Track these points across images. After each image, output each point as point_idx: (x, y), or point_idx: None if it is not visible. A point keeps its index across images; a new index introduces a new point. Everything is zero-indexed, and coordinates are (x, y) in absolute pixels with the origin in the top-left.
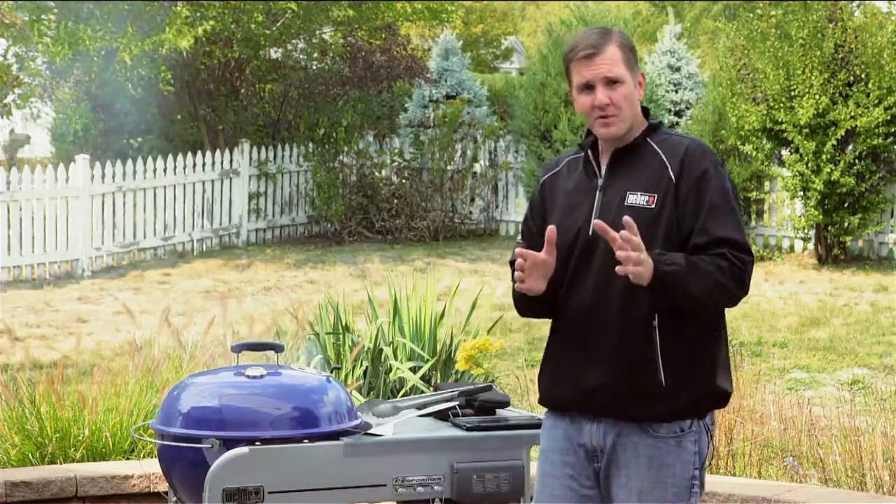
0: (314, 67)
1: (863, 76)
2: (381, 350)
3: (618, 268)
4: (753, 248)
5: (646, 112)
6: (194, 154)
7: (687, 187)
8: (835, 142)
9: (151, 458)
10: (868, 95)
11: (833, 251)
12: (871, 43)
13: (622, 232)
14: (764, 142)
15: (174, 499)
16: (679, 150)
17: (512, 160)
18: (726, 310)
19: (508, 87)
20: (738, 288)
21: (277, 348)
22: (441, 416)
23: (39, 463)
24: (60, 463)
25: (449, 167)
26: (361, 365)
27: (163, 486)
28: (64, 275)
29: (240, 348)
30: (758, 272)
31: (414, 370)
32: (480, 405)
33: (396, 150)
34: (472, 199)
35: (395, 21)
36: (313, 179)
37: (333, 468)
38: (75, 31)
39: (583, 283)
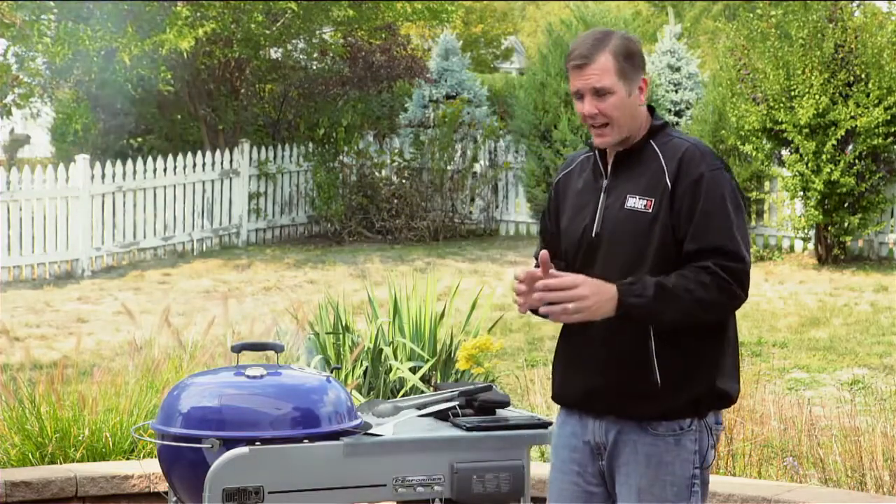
0: (314, 67)
1: (863, 76)
2: (381, 350)
3: (553, 318)
4: (753, 249)
5: (651, 111)
6: (194, 154)
7: (682, 192)
8: (835, 142)
9: (151, 458)
10: (868, 95)
11: (833, 251)
12: (871, 43)
13: (539, 282)
14: (764, 142)
15: (174, 499)
16: (677, 153)
17: (512, 160)
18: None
19: (508, 87)
20: (727, 298)
21: (277, 348)
22: (441, 416)
23: (39, 463)
24: (60, 463)
25: (449, 167)
26: (361, 365)
27: (163, 486)
28: (64, 275)
29: (240, 348)
30: (758, 272)
31: (414, 370)
32: (480, 405)
33: (396, 150)
34: (472, 199)
35: (395, 21)
36: (313, 179)
37: (333, 468)
38: (75, 31)
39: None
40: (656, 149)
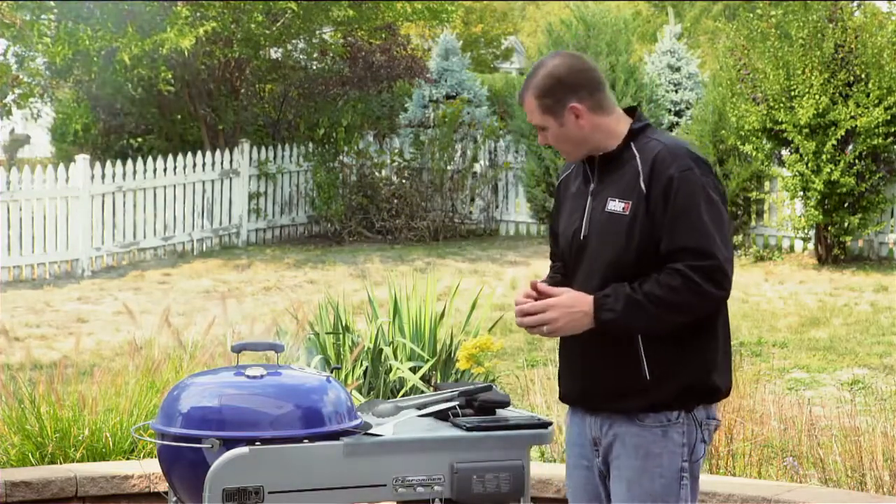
0: (314, 67)
1: (863, 76)
2: (381, 350)
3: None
4: (753, 249)
5: (632, 112)
6: (194, 154)
7: (655, 194)
8: (835, 142)
9: (151, 458)
10: (868, 95)
11: (833, 251)
12: (871, 43)
13: (516, 307)
14: (764, 142)
15: (174, 499)
16: (651, 155)
17: (512, 160)
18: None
19: (508, 87)
20: (699, 299)
21: (277, 348)
22: (441, 416)
23: (39, 463)
24: (60, 463)
25: (449, 167)
26: (361, 365)
27: (163, 486)
28: (64, 275)
29: (240, 348)
30: (758, 272)
31: (414, 370)
32: (480, 405)
33: (396, 150)
34: (472, 199)
35: (395, 21)
36: (313, 179)
37: (333, 468)
38: (75, 31)
39: (575, 283)
40: (635, 152)
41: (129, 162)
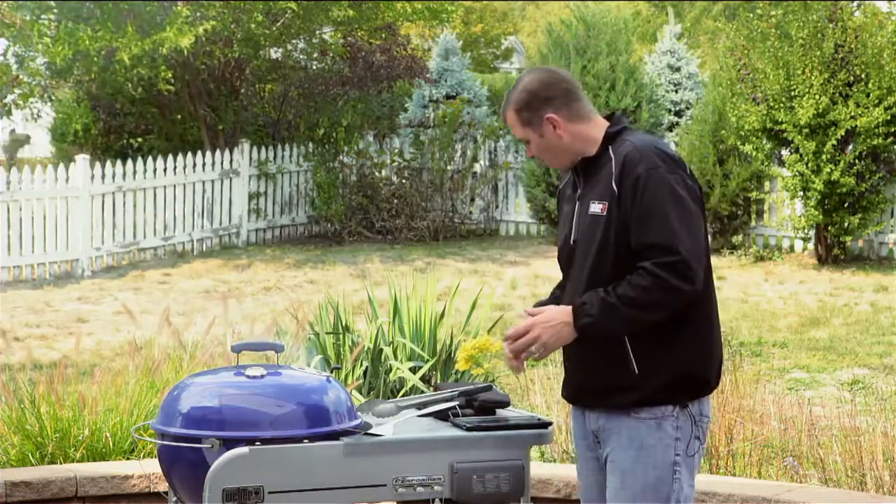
0: (314, 67)
1: (863, 76)
2: (381, 350)
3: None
4: (753, 249)
5: (611, 117)
6: (194, 154)
7: (625, 193)
8: (835, 142)
9: (151, 458)
10: (868, 95)
11: (833, 251)
12: (871, 43)
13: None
14: (764, 142)
15: (174, 499)
16: (621, 157)
17: (512, 160)
18: (724, 307)
19: (508, 87)
20: (668, 295)
21: (277, 348)
22: (441, 416)
23: (39, 463)
24: (60, 463)
25: (449, 167)
26: (361, 365)
27: (163, 486)
28: (64, 275)
29: (240, 348)
30: (758, 272)
31: (414, 370)
32: (480, 405)
33: (396, 150)
34: (472, 199)
35: (395, 21)
36: (313, 179)
37: (333, 468)
38: (75, 31)
39: (569, 288)
40: (611, 154)
41: (129, 162)
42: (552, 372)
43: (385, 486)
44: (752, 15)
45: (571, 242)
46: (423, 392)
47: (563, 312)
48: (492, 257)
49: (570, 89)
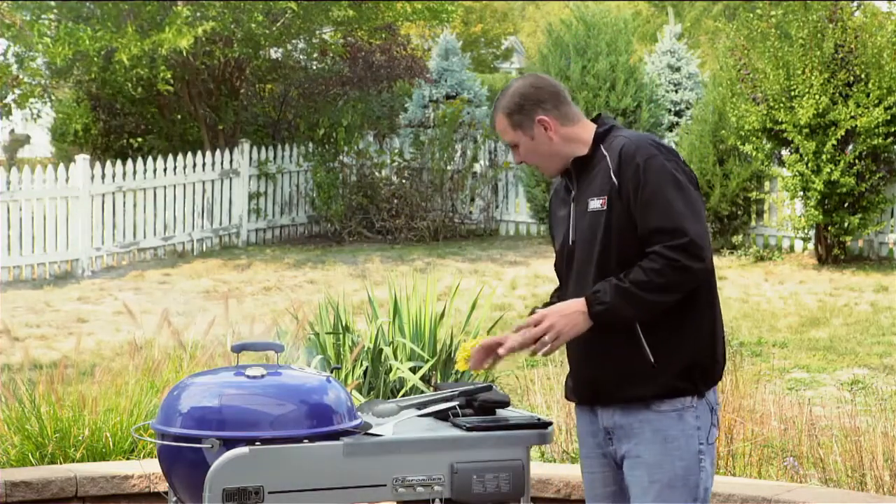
0: (314, 67)
1: (863, 76)
2: (381, 350)
3: (544, 354)
4: (753, 249)
5: (598, 119)
6: (194, 154)
7: (626, 183)
8: (835, 142)
9: (151, 458)
10: (868, 95)
11: (833, 251)
12: (871, 43)
13: (514, 343)
14: (764, 142)
15: (174, 499)
16: (617, 150)
17: (512, 160)
18: (724, 307)
19: None
20: (681, 274)
21: (277, 348)
22: (441, 416)
23: (39, 463)
24: (60, 463)
25: (449, 167)
26: (361, 365)
27: (163, 486)
28: (64, 275)
29: (240, 348)
30: (758, 272)
31: (414, 370)
32: (480, 405)
33: (396, 150)
34: (472, 199)
35: (395, 21)
36: (313, 179)
37: (333, 468)
38: (75, 31)
39: (569, 286)
40: (604, 152)
41: (129, 162)
42: (552, 372)
43: (385, 486)
44: (752, 15)
45: (570, 243)
46: (423, 392)
47: (577, 302)
48: (492, 257)
49: (558, 92)
